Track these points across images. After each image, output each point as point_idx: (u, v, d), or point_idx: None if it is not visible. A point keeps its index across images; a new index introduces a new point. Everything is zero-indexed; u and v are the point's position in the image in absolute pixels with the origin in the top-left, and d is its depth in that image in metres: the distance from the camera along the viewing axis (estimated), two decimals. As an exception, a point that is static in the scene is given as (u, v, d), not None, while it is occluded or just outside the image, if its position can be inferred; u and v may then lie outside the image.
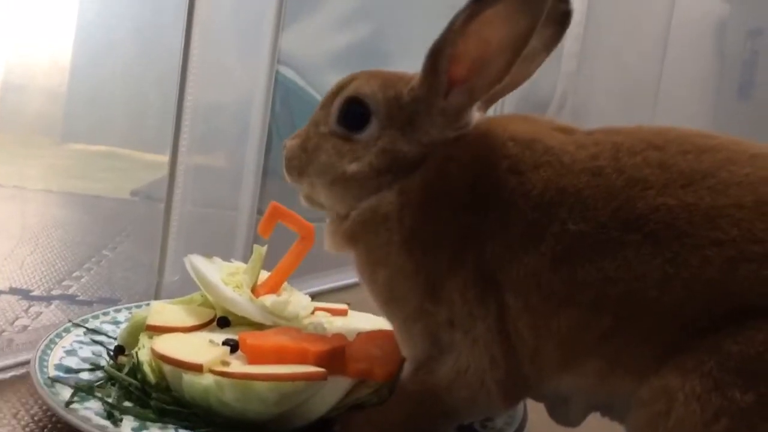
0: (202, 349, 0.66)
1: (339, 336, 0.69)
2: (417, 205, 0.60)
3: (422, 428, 0.62)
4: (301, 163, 0.65)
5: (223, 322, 0.74)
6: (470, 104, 0.61)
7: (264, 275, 0.81)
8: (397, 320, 0.63)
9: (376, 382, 0.65)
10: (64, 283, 1.09)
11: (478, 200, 0.58)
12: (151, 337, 0.70)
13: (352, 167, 0.62)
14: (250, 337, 0.66)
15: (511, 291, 0.57)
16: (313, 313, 0.81)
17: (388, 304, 0.63)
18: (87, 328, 0.76)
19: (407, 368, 0.64)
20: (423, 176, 0.61)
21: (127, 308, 0.85)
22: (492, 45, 0.57)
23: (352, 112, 0.63)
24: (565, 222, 0.55)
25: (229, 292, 0.73)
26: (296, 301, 0.79)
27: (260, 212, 1.21)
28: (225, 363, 0.63)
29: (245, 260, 0.82)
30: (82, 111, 2.30)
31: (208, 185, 1.23)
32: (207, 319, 0.74)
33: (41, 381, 0.64)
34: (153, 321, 0.71)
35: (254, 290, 0.78)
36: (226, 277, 0.76)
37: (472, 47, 0.58)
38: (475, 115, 0.64)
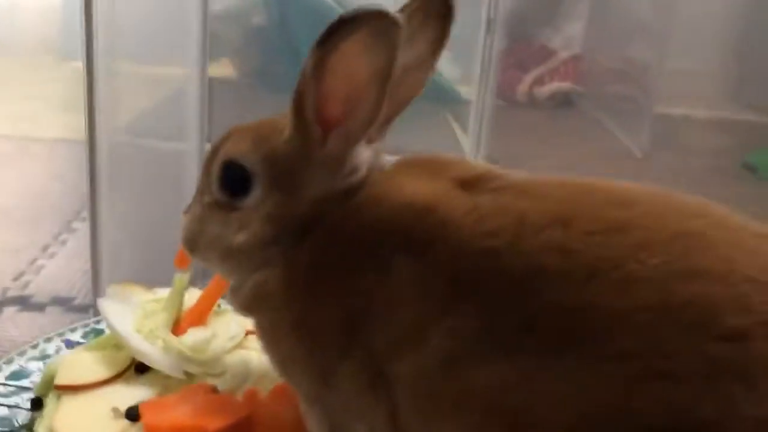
0: (102, 423, 0.62)
1: (251, 396, 0.64)
2: (304, 285, 0.53)
3: None
4: (193, 237, 0.58)
5: (142, 368, 0.70)
6: (350, 148, 0.53)
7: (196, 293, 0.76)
8: (298, 397, 0.57)
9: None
10: (23, 278, 1.05)
11: (366, 283, 0.50)
12: (59, 398, 0.66)
13: (239, 238, 0.55)
14: (149, 411, 0.61)
15: (400, 388, 0.50)
16: (246, 335, 0.76)
17: (287, 382, 0.57)
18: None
19: (313, 436, 0.59)
20: (310, 251, 0.53)
21: (60, 334, 0.81)
22: (357, 79, 0.49)
23: (230, 177, 0.55)
24: (455, 317, 0.47)
25: (138, 342, 0.68)
26: (223, 331, 0.73)
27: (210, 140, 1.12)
28: (121, 445, 0.59)
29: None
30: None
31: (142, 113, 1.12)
32: (124, 366, 0.70)
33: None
34: (61, 379, 0.67)
35: (178, 324, 0.73)
36: (140, 321, 0.71)
37: (336, 85, 0.50)
38: (365, 155, 0.55)
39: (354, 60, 0.48)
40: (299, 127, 0.53)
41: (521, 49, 2.44)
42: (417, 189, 0.52)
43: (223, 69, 2.37)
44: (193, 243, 0.58)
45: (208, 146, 1.15)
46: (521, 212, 0.48)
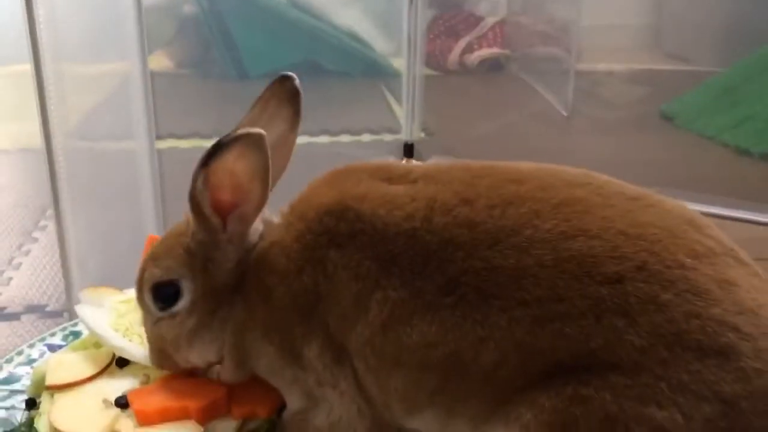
0: (95, 414, 0.69)
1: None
2: (261, 306, 0.63)
3: None
4: (160, 355, 0.69)
5: (122, 362, 0.77)
6: (247, 228, 0.64)
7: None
8: (279, 386, 0.67)
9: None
10: (-7, 289, 1.10)
11: (309, 280, 0.61)
12: (52, 396, 0.74)
13: (191, 323, 0.66)
14: (137, 399, 0.69)
15: (355, 356, 0.60)
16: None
17: (275, 381, 0.67)
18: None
19: (289, 408, 0.68)
20: (255, 280, 0.63)
21: (41, 339, 0.88)
22: (242, 180, 0.60)
23: (163, 296, 0.66)
24: (386, 289, 0.58)
25: (118, 340, 0.76)
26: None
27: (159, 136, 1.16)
28: (116, 431, 0.67)
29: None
30: None
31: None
32: (106, 362, 0.77)
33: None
34: (51, 379, 0.74)
35: (150, 320, 0.80)
36: (116, 320, 0.78)
37: (224, 181, 0.60)
38: (259, 226, 0.65)
39: (235, 164, 0.59)
40: (201, 222, 0.63)
41: (450, 17, 2.52)
42: (333, 195, 0.62)
43: (159, 61, 2.40)
44: (163, 358, 0.69)
45: (158, 144, 1.20)
46: (431, 196, 0.58)
